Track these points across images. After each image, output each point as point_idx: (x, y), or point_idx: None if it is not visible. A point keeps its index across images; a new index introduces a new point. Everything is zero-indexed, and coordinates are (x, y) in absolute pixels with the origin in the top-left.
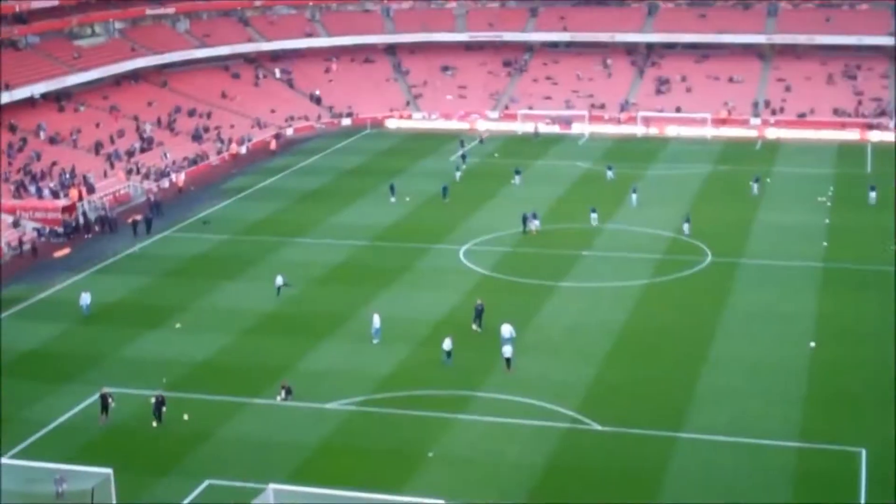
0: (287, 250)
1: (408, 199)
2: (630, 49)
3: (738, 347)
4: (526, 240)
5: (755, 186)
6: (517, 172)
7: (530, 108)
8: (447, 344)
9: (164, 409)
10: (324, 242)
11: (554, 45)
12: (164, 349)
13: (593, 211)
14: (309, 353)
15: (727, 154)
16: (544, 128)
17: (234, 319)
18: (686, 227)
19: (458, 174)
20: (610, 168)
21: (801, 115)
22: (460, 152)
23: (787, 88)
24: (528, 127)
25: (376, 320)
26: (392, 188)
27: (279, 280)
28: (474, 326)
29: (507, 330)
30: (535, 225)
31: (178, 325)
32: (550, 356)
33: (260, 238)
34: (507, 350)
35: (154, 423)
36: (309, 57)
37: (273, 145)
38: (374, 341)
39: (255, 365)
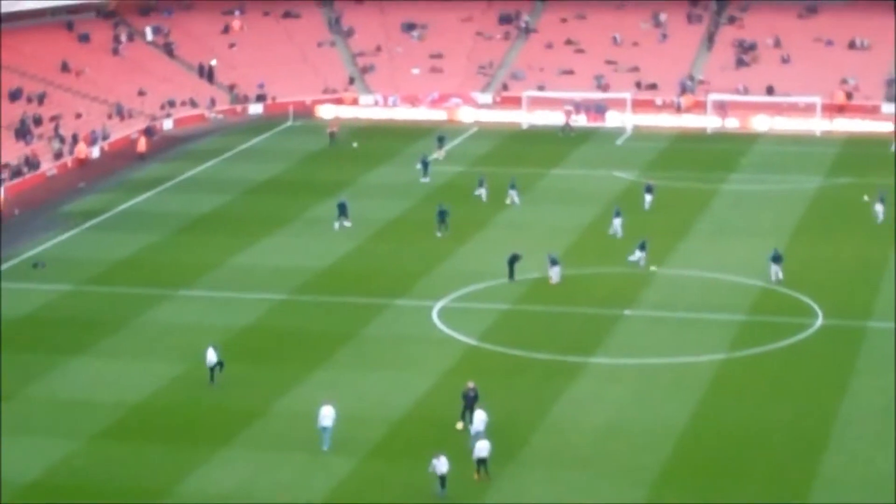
0: (165, 308)
1: (346, 225)
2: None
3: (865, 461)
4: (533, 292)
5: (880, 209)
6: (512, 187)
7: (541, 88)
8: (441, 465)
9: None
10: (222, 296)
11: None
12: None
13: (641, 248)
14: (197, 469)
15: (846, 159)
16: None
17: (82, 417)
18: (774, 270)
19: (482, 191)
20: (649, 189)
21: None
22: (434, 155)
23: None
24: (541, 117)
25: (326, 415)
26: (342, 209)
27: (212, 356)
28: (460, 425)
29: (480, 419)
30: (554, 274)
31: None
32: (574, 473)
33: (122, 290)
34: (482, 448)
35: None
36: (198, 9)
37: (142, 146)
38: (324, 447)
39: (112, 488)
